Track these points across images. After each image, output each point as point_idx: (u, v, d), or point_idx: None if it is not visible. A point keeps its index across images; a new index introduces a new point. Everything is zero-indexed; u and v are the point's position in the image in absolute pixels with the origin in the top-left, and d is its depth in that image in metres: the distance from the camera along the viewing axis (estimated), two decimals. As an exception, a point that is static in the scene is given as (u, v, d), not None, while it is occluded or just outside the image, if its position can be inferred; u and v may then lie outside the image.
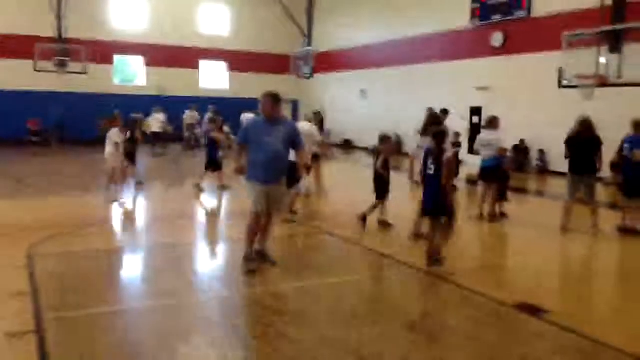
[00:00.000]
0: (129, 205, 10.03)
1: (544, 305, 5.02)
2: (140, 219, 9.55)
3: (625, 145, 8.33)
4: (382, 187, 8.30)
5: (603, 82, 10.64)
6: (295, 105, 29.83)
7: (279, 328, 4.42)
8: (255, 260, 5.99)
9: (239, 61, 27.80)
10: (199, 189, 11.51)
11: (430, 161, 6.34)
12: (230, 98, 26.06)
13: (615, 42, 11.00)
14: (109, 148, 10.19)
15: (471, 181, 13.30)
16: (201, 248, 7.65)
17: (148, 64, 26.16)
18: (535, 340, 4.38)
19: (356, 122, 24.33)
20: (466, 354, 4.09)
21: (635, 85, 10.08)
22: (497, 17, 18.21)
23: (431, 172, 6.31)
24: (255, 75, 27.72)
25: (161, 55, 25.90)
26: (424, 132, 7.82)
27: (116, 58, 25.77)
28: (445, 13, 20.05)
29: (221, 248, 7.65)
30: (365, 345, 4.13)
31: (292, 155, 6.62)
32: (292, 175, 7.26)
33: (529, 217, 9.69)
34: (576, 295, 5.90)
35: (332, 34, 26.93)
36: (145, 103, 22.39)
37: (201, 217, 9.94)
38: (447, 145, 7.54)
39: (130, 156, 11.21)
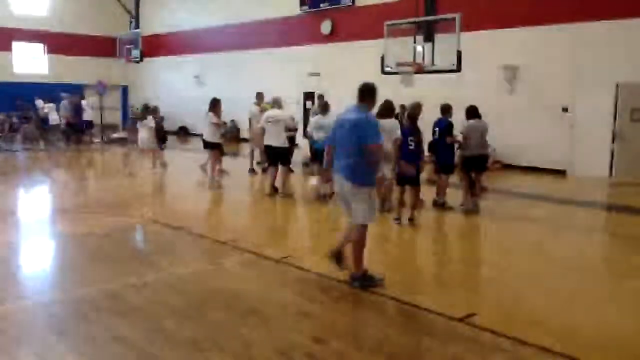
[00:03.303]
0: None
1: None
2: None
3: (435, 129, 9.20)
4: None
5: (419, 69, 11.58)
6: (124, 90, 28.37)
7: (111, 327, 4.26)
8: (373, 277, 5.25)
9: (59, 44, 25.59)
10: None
11: (410, 139, 7.90)
12: (51, 84, 24.00)
13: (428, 32, 12.01)
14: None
15: (306, 163, 13.78)
16: (24, 248, 7.00)
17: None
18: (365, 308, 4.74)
19: (192, 108, 23.74)
20: (303, 331, 4.29)
21: (445, 71, 11.14)
22: (325, 5, 18.91)
23: (412, 147, 7.91)
24: (79, 58, 25.81)
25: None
26: (380, 116, 8.24)
27: None
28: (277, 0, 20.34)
29: (50, 246, 7.07)
30: (203, 336, 4.16)
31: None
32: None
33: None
34: (400, 264, 6.44)
35: (163, 16, 25.92)
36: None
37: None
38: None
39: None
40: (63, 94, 20.73)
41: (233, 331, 4.26)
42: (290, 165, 11.06)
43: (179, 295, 5.05)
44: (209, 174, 11.21)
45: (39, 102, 21.41)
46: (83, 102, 20.62)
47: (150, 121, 13.03)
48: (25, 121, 21.26)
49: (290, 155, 10.36)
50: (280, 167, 10.06)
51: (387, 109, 8.37)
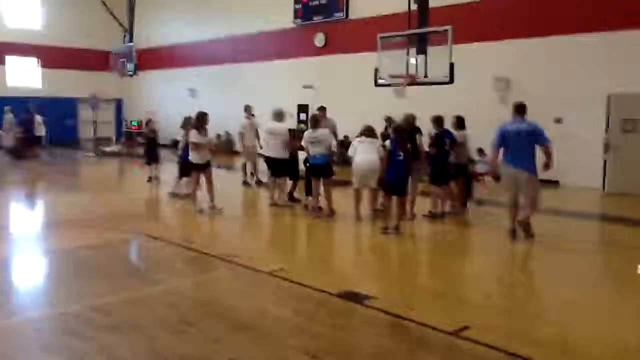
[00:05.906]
0: None
1: (368, 292, 5.40)
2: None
3: (446, 140, 9.25)
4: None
5: (413, 81, 11.59)
6: (119, 104, 28.36)
7: (102, 343, 4.21)
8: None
9: (53, 57, 25.61)
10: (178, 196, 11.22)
11: (397, 149, 8.02)
12: (45, 97, 23.96)
13: (421, 44, 12.02)
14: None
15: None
16: (14, 263, 6.92)
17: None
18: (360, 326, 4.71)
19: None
20: (297, 346, 4.25)
21: (438, 83, 11.17)
22: (318, 18, 19.02)
23: (400, 157, 7.99)
24: (73, 72, 25.80)
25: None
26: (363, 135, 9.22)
27: None
28: (270, 13, 20.43)
29: (41, 261, 7.01)
30: (196, 351, 4.11)
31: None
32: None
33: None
34: (389, 277, 6.42)
35: (157, 30, 25.94)
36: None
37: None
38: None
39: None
40: (6, 107, 19.79)
41: (226, 346, 4.21)
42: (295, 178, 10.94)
43: (172, 310, 5.00)
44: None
45: None
46: (37, 118, 19.26)
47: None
48: None
49: (292, 166, 10.36)
50: (288, 179, 10.41)
51: (369, 131, 9.14)
